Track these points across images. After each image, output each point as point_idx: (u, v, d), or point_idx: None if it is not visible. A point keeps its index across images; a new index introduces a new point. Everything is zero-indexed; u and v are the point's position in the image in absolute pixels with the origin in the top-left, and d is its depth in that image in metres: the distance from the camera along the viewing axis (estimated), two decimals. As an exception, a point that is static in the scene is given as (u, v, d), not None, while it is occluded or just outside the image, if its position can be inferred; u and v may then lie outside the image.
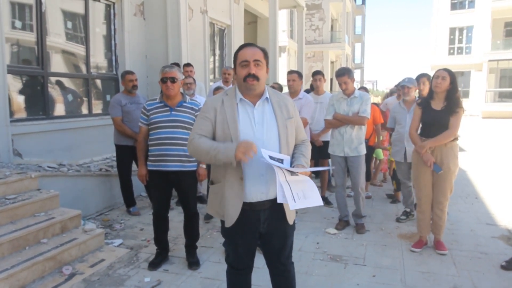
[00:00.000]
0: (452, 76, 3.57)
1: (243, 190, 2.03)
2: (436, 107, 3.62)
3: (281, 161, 1.96)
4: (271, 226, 2.15)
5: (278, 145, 2.06)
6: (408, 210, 4.69)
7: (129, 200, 4.98)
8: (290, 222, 2.18)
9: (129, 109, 4.72)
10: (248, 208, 2.07)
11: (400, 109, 4.65)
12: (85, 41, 5.87)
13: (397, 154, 4.64)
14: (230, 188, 2.05)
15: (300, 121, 2.26)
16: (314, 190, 2.01)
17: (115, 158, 5.82)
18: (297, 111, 2.26)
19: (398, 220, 4.65)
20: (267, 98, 2.11)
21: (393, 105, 5.00)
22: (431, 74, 4.07)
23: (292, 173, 1.96)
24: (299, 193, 1.93)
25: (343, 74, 4.21)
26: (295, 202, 1.90)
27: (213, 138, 2.10)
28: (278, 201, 1.90)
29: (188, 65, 5.90)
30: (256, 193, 2.05)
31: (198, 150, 2.04)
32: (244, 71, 2.04)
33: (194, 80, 5.18)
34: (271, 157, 1.92)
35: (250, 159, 1.94)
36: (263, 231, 2.16)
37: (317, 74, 5.32)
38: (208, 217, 4.66)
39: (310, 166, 2.19)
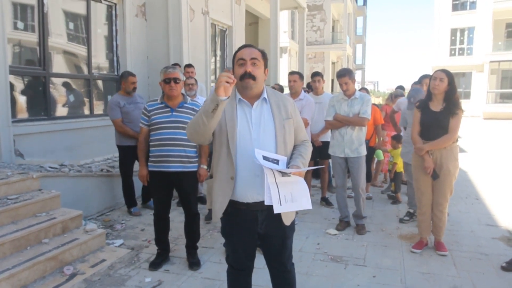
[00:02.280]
0: (450, 77, 3.57)
1: (231, 189, 2.04)
2: (435, 108, 3.62)
3: (277, 161, 1.95)
4: (269, 227, 2.15)
5: (274, 145, 2.05)
6: (411, 211, 4.68)
7: (131, 200, 4.99)
8: (287, 223, 2.15)
9: (128, 110, 4.73)
10: (245, 209, 2.08)
11: (410, 112, 4.62)
12: (87, 42, 5.88)
13: (406, 155, 4.63)
14: (219, 185, 2.08)
15: (300, 121, 2.25)
16: (304, 193, 1.97)
17: (116, 159, 5.83)
18: (297, 111, 2.25)
19: (401, 221, 4.65)
20: (265, 98, 2.11)
21: (405, 105, 4.96)
22: (433, 75, 4.06)
23: (284, 174, 1.92)
24: (286, 196, 1.90)
25: (344, 74, 4.22)
26: (280, 205, 1.88)
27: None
28: (266, 203, 1.89)
29: (189, 65, 5.92)
30: (252, 194, 2.04)
31: (192, 122, 2.01)
32: (241, 70, 2.04)
33: (196, 81, 5.19)
34: (265, 158, 1.90)
35: (244, 155, 1.98)
36: (261, 232, 2.16)
37: (316, 75, 5.35)
38: (209, 218, 4.67)
39: (310, 167, 2.18)
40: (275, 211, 1.89)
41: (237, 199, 2.07)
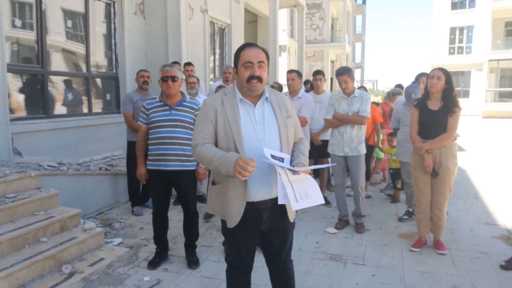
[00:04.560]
0: (448, 76, 3.57)
1: (246, 191, 2.03)
2: (433, 107, 3.62)
3: (282, 159, 1.96)
4: (273, 224, 2.16)
5: (279, 144, 2.06)
6: (410, 210, 4.68)
7: (135, 198, 4.98)
8: (291, 219, 2.19)
9: (140, 106, 4.74)
10: (251, 207, 2.07)
11: (405, 110, 4.63)
12: (85, 40, 5.86)
13: (404, 155, 4.60)
14: (234, 189, 2.05)
15: (297, 119, 2.27)
16: (315, 188, 2.00)
17: (115, 157, 5.83)
18: (294, 110, 2.27)
19: (400, 219, 4.65)
20: (267, 97, 2.12)
21: (398, 105, 4.96)
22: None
23: (294, 172, 1.95)
24: (301, 193, 1.92)
25: (343, 73, 4.21)
26: (297, 202, 1.89)
27: (216, 139, 2.09)
28: (279, 203, 1.91)
29: (188, 64, 5.90)
30: (259, 193, 2.05)
31: (201, 158, 2.03)
32: (247, 72, 2.03)
33: (197, 79, 5.16)
34: (273, 156, 1.92)
35: (252, 154, 1.96)
36: (264, 229, 2.16)
37: (318, 73, 5.33)
38: (208, 216, 4.66)
39: (309, 165, 2.19)
40: (294, 209, 1.90)
41: (246, 200, 2.06)
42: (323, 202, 2.04)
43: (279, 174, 1.89)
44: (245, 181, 2.01)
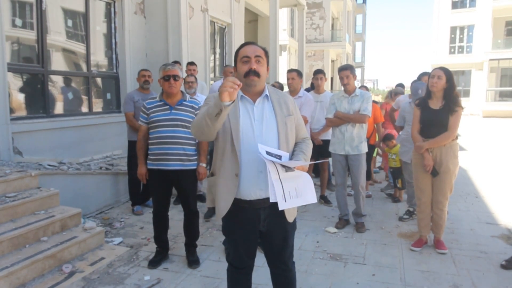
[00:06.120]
0: (448, 75, 3.56)
1: (236, 186, 2.03)
2: (434, 106, 3.62)
3: (279, 157, 1.94)
4: (272, 224, 2.14)
5: (277, 142, 2.05)
6: (411, 209, 4.68)
7: (135, 198, 4.98)
8: (290, 220, 2.17)
9: (141, 105, 4.74)
10: (248, 206, 2.07)
11: (411, 109, 4.62)
12: (86, 39, 5.86)
13: (405, 154, 4.60)
14: (223, 182, 2.07)
15: (301, 118, 2.25)
16: (308, 187, 1.98)
17: (115, 157, 5.83)
18: (297, 109, 2.26)
19: (400, 219, 4.64)
20: (266, 95, 2.12)
21: (403, 104, 4.95)
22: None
23: (288, 169, 1.92)
24: (291, 192, 1.91)
25: (346, 68, 4.23)
26: (285, 201, 1.88)
27: None
28: (271, 201, 1.91)
29: (191, 63, 5.88)
30: (255, 191, 2.04)
31: (197, 123, 1.97)
32: (245, 67, 2.04)
33: (196, 78, 5.17)
34: (268, 153, 1.90)
35: (248, 151, 1.97)
36: (263, 229, 2.15)
37: (318, 73, 5.31)
38: (208, 216, 4.67)
39: (310, 165, 2.17)
40: (280, 208, 1.89)
41: (240, 197, 2.06)
42: (315, 201, 2.01)
43: (269, 172, 1.87)
44: (237, 176, 2.01)
